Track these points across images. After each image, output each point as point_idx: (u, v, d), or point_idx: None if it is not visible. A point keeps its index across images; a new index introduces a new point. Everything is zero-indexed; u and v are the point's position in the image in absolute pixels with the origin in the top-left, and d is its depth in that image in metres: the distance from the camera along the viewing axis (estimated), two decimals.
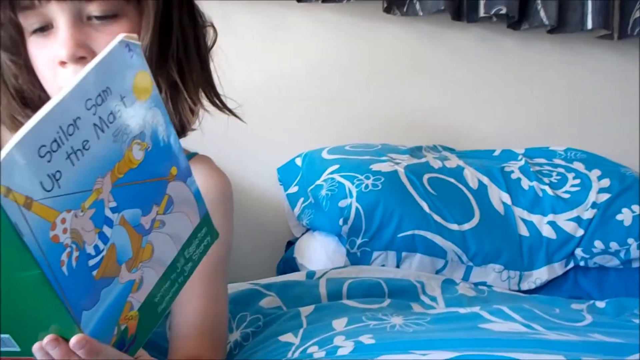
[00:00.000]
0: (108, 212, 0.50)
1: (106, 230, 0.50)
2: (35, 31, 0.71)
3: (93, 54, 0.69)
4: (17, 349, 0.51)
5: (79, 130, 0.48)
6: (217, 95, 0.83)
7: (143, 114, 0.53)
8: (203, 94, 0.81)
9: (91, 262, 0.49)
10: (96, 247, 0.50)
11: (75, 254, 0.48)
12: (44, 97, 0.75)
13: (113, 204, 0.51)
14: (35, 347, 0.50)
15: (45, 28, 0.71)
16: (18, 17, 0.70)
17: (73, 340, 0.49)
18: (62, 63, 0.70)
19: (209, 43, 0.83)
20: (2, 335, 0.50)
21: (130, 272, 0.53)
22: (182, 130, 0.80)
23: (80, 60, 0.69)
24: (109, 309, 0.51)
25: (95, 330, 0.50)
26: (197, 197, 0.59)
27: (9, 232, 0.43)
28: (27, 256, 0.45)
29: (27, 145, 0.44)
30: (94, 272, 0.50)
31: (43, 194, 0.45)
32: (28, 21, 0.70)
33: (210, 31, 0.83)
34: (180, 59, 0.77)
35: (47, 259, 0.45)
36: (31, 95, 0.76)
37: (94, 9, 0.69)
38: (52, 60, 0.70)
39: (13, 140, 0.44)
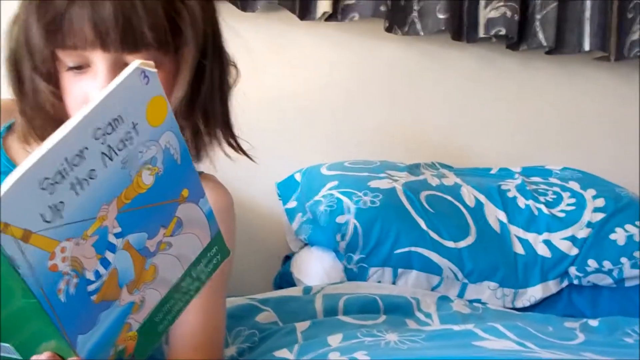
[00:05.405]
0: (112, 238, 0.50)
1: (108, 255, 0.50)
2: (71, 67, 0.72)
3: None
4: (19, 357, 0.51)
5: (85, 160, 0.48)
6: (234, 137, 0.83)
7: (156, 139, 0.52)
8: (221, 135, 0.81)
9: (90, 288, 0.50)
10: (96, 272, 0.50)
11: (74, 280, 0.48)
12: None
13: (117, 230, 0.51)
14: (34, 359, 0.51)
15: (81, 66, 0.72)
16: (59, 53, 0.71)
17: None
18: None
19: (231, 82, 0.82)
20: (4, 344, 0.50)
21: (132, 294, 0.53)
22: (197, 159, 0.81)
23: None
24: (107, 331, 0.51)
25: (91, 352, 0.51)
26: (209, 217, 0.59)
27: (6, 264, 0.44)
28: (23, 286, 0.45)
29: (29, 179, 0.44)
30: (93, 297, 0.50)
31: (43, 226, 0.45)
32: (68, 58, 0.71)
33: (233, 71, 0.82)
34: (206, 106, 0.78)
35: (43, 289, 0.46)
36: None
37: (131, 59, 0.69)
38: (84, 96, 0.72)
39: (15, 174, 0.44)
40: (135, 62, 0.51)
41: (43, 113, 0.75)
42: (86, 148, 0.48)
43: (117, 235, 0.51)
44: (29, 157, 0.45)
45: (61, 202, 0.46)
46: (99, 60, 0.70)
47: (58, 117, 0.75)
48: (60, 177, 0.46)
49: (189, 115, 0.76)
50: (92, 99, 0.69)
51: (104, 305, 0.51)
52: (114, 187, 0.50)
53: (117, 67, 0.70)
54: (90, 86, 0.71)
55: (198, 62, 0.75)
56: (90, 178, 0.48)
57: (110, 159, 0.49)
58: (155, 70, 0.52)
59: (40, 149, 0.46)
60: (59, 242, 0.47)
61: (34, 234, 0.45)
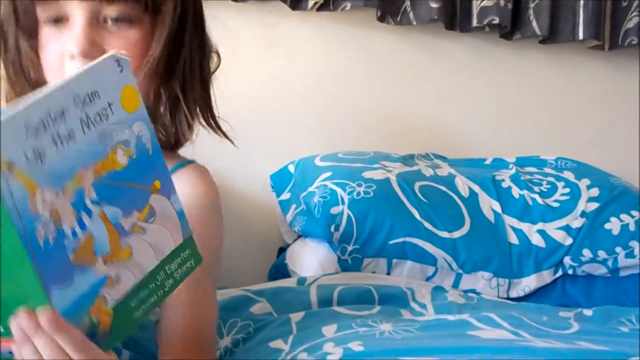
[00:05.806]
0: (88, 202, 0.53)
1: (85, 218, 0.53)
2: (47, 22, 0.73)
3: (103, 54, 0.71)
4: (1, 329, 0.53)
5: (66, 121, 0.51)
6: (214, 117, 0.85)
7: (129, 124, 0.56)
8: (200, 114, 0.83)
9: (67, 243, 0.52)
10: (73, 230, 0.52)
11: (53, 231, 0.51)
12: None
13: (94, 196, 0.54)
14: (12, 323, 0.52)
15: (58, 20, 0.72)
16: (38, 8, 0.72)
17: (42, 316, 0.51)
18: (72, 57, 0.71)
19: (212, 68, 0.85)
20: None
21: (107, 265, 0.55)
22: (176, 142, 0.83)
23: (90, 56, 0.70)
24: (81, 297, 0.53)
25: (65, 312, 0.52)
26: (181, 216, 0.61)
27: None
28: (5, 214, 0.47)
29: (17, 121, 0.48)
30: (71, 255, 0.52)
31: (26, 163, 0.48)
32: (44, 12, 0.72)
33: (215, 57, 0.85)
34: (185, 77, 0.80)
35: (24, 223, 0.48)
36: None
37: (111, 11, 0.71)
38: (61, 52, 0.72)
39: (3, 115, 0.47)
40: (111, 51, 0.55)
41: (24, 76, 0.76)
42: (67, 110, 0.51)
43: (93, 201, 0.54)
44: (18, 102, 0.48)
45: (43, 150, 0.50)
46: (76, 10, 0.70)
47: (37, 81, 0.76)
48: (42, 126, 0.50)
49: (167, 78, 0.78)
50: (71, 51, 0.70)
51: (80, 268, 0.53)
52: (92, 155, 0.54)
53: (95, 20, 0.71)
54: (67, 42, 0.71)
55: (179, 31, 0.76)
56: (70, 138, 0.52)
57: (88, 127, 0.53)
58: (129, 59, 0.56)
59: (28, 99, 0.49)
60: (40, 187, 0.49)
61: (19, 168, 0.48)
